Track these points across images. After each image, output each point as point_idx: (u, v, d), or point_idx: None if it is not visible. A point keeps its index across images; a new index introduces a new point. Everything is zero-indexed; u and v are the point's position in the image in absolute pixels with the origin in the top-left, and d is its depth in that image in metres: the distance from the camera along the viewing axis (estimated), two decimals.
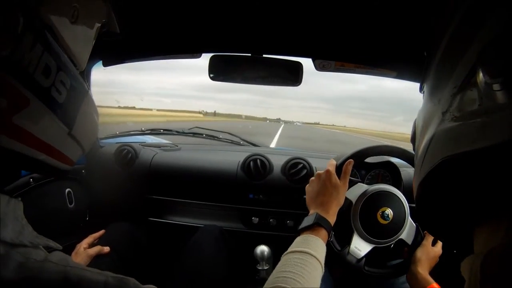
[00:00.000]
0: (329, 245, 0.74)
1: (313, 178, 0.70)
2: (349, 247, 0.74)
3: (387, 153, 0.82)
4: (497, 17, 0.18)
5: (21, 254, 0.30)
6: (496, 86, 0.17)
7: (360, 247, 0.74)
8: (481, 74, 0.18)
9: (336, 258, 0.74)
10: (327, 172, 0.68)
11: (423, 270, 0.71)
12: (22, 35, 0.27)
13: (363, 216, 0.75)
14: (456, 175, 0.23)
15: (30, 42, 0.29)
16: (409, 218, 0.76)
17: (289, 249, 0.54)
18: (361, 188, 0.79)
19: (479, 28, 0.20)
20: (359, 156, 0.78)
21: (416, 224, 0.77)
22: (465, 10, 0.23)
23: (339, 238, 0.75)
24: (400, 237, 0.75)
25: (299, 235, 0.58)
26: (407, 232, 0.76)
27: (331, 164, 0.70)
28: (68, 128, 0.37)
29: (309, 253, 0.51)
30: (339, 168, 0.71)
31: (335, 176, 0.67)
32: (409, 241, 0.76)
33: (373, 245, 0.75)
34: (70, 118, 0.37)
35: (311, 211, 0.63)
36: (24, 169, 0.40)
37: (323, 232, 0.59)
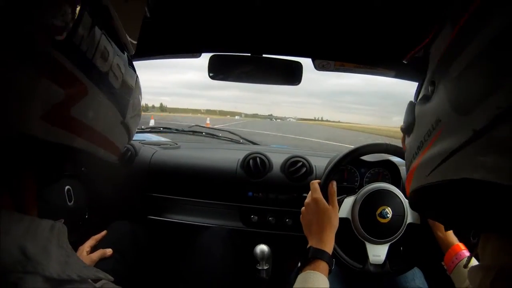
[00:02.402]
0: (350, 268, 0.75)
1: (303, 208, 0.70)
2: (368, 259, 0.75)
3: (369, 152, 0.82)
4: None
5: None
6: None
7: (377, 253, 0.75)
8: None
9: (363, 275, 0.75)
10: (314, 200, 0.68)
11: (442, 232, 0.71)
12: (80, 16, 0.25)
13: (365, 223, 0.76)
14: (474, 195, 0.23)
15: (88, 23, 0.26)
16: (407, 201, 0.76)
17: None
18: (349, 201, 0.79)
19: None
20: (342, 164, 0.78)
21: None
22: (495, 34, 0.20)
23: (355, 256, 0.76)
24: (408, 222, 0.76)
25: (301, 272, 0.59)
26: (411, 214, 0.76)
27: (315, 189, 0.70)
28: (122, 117, 0.35)
29: None
30: (324, 188, 0.72)
31: (322, 202, 0.68)
32: (418, 221, 0.76)
33: (388, 244, 0.75)
34: (124, 105, 0.35)
35: (308, 244, 0.64)
36: (73, 163, 0.37)
37: (322, 264, 0.59)
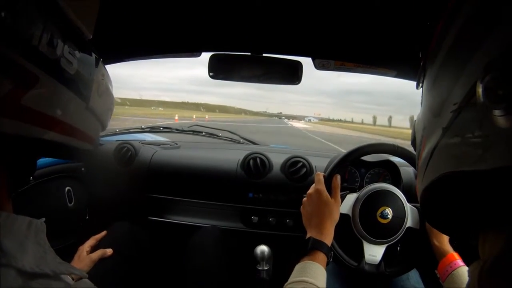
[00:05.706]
0: (345, 265, 0.74)
1: (305, 199, 0.70)
2: (364, 257, 0.74)
3: (377, 151, 0.81)
4: (504, 29, 0.17)
5: (41, 286, 0.26)
6: (497, 112, 0.16)
7: (374, 252, 0.75)
8: (481, 96, 0.17)
9: (357, 273, 0.75)
10: (317, 191, 0.67)
11: (437, 240, 0.71)
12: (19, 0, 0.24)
13: (364, 222, 0.75)
14: (456, 189, 0.23)
15: (30, 7, 0.25)
16: (408, 204, 0.76)
17: (289, 280, 0.55)
18: (351, 198, 0.79)
19: (483, 40, 0.18)
20: (348, 160, 0.77)
21: (416, 207, 0.77)
22: (467, 16, 0.21)
23: (351, 253, 0.75)
24: (407, 226, 0.75)
25: (298, 262, 0.59)
26: (411, 218, 0.76)
27: (319, 180, 0.69)
28: (85, 102, 0.34)
29: (307, 282, 0.52)
30: (328, 180, 0.71)
31: (325, 194, 0.67)
32: (417, 226, 0.76)
33: (385, 245, 0.75)
34: (85, 90, 0.34)
35: (307, 235, 0.64)
36: (43, 155, 0.36)
37: (321, 256, 0.59)
